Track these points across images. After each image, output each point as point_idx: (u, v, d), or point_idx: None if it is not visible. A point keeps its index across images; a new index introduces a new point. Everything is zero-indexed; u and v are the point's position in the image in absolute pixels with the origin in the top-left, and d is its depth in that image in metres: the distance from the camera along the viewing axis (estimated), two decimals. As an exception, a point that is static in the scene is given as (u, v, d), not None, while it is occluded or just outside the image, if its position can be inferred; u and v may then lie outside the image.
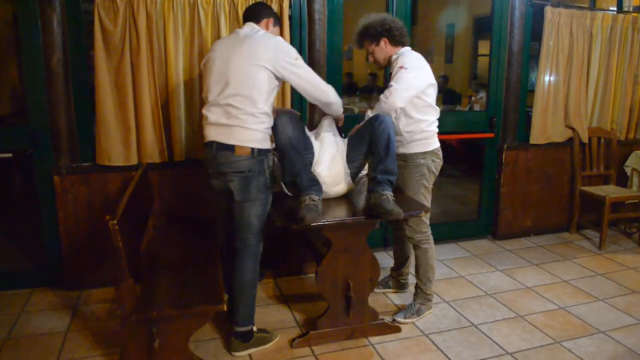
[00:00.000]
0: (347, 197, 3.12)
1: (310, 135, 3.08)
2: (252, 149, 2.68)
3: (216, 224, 3.41)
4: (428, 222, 3.28)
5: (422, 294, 3.35)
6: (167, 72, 3.44)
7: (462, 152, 7.14)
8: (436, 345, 3.03)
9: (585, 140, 4.76)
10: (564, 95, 4.64)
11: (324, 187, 2.90)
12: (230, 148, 2.68)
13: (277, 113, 2.87)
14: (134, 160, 3.49)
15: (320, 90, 2.86)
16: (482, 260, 4.33)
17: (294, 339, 3.02)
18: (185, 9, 3.40)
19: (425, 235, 3.26)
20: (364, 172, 3.27)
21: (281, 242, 3.78)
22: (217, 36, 3.44)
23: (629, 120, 4.99)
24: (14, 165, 4.70)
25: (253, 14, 2.89)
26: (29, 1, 3.23)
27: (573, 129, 4.72)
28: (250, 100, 2.65)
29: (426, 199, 3.24)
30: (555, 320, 3.33)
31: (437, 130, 3.23)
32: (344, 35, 3.95)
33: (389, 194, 2.77)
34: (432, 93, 3.13)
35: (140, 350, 2.45)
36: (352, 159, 3.06)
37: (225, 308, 2.44)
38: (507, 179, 4.64)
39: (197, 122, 3.55)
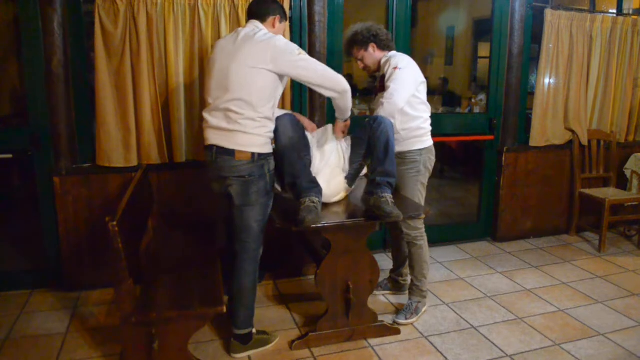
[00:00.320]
0: (346, 199, 3.12)
1: (311, 138, 3.06)
2: (253, 153, 2.67)
3: (217, 226, 3.42)
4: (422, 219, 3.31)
5: (418, 291, 3.39)
6: (168, 73, 3.44)
7: (462, 155, 7.15)
8: (436, 348, 3.03)
9: (585, 143, 4.76)
10: (563, 98, 4.64)
11: (323, 199, 2.89)
12: (231, 152, 2.66)
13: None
14: (134, 162, 3.49)
15: (334, 80, 2.73)
16: (482, 262, 4.33)
17: (293, 341, 3.02)
18: (185, 11, 3.40)
19: (421, 232, 3.31)
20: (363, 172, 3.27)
21: (281, 243, 3.78)
22: (217, 38, 3.43)
23: (629, 123, 5.00)
24: (14, 166, 4.70)
25: (258, 12, 2.82)
26: (29, 2, 3.24)
27: (573, 132, 4.72)
28: (250, 105, 2.63)
29: (422, 196, 3.32)
30: (555, 323, 3.33)
31: (430, 128, 3.30)
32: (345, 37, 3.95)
33: (388, 196, 2.77)
34: (424, 90, 3.23)
35: (140, 351, 2.46)
36: (351, 161, 3.06)
37: (225, 310, 2.44)
38: (506, 182, 4.64)
39: (197, 124, 3.55)
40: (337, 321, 3.03)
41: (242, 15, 3.45)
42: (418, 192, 3.26)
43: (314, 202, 2.71)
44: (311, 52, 3.74)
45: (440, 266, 4.22)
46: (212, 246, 3.21)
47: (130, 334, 2.43)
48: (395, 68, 3.05)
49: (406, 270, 3.66)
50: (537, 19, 4.46)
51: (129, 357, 2.48)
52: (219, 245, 3.21)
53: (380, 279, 3.40)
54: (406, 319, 3.30)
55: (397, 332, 3.16)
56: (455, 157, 7.19)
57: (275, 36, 2.71)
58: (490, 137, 4.59)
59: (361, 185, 3.24)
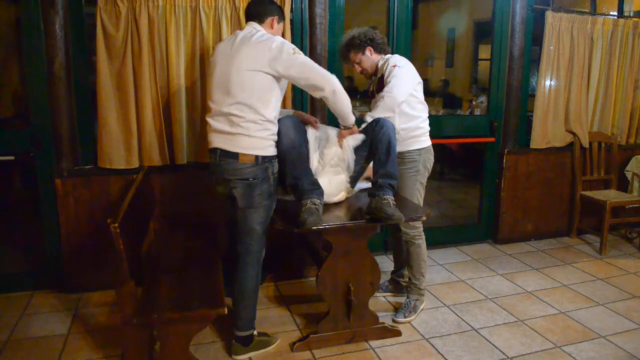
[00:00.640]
0: (348, 201, 3.12)
1: (312, 137, 3.02)
2: (256, 156, 2.68)
3: (218, 227, 3.42)
4: None
5: (416, 290, 3.41)
6: (169, 75, 3.45)
7: (462, 156, 7.14)
8: (437, 350, 3.03)
9: (586, 145, 4.77)
10: (564, 100, 4.65)
11: (325, 198, 2.89)
12: (234, 155, 2.67)
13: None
14: (135, 164, 3.50)
15: (323, 77, 2.67)
16: (483, 264, 4.33)
17: (294, 343, 3.02)
18: (187, 13, 3.41)
19: (419, 231, 3.34)
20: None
21: (282, 245, 3.78)
22: (218, 40, 3.44)
23: (630, 125, 5.00)
24: (16, 167, 4.69)
25: (257, 13, 2.82)
26: (31, 4, 3.25)
27: (574, 134, 4.72)
28: (251, 108, 2.63)
29: (421, 196, 3.34)
30: (556, 325, 3.33)
31: (429, 128, 3.33)
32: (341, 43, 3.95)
33: (390, 198, 2.77)
34: (421, 90, 3.28)
35: (141, 353, 2.46)
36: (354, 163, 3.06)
37: (226, 312, 2.44)
38: (507, 184, 4.65)
39: (198, 126, 3.56)
40: (338, 323, 3.03)
41: (243, 17, 3.44)
42: (417, 191, 3.30)
43: (315, 204, 2.71)
44: (312, 55, 3.75)
45: (441, 268, 4.22)
46: (213, 248, 3.21)
47: (131, 336, 2.43)
48: (394, 66, 3.11)
49: (407, 271, 3.66)
50: (537, 21, 4.47)
51: (130, 358, 2.48)
52: (221, 247, 3.22)
53: (381, 281, 3.40)
54: (405, 317, 3.32)
55: (398, 333, 3.16)
56: (456, 159, 7.19)
57: (271, 37, 2.71)
58: (491, 139, 4.59)
59: (362, 186, 3.25)
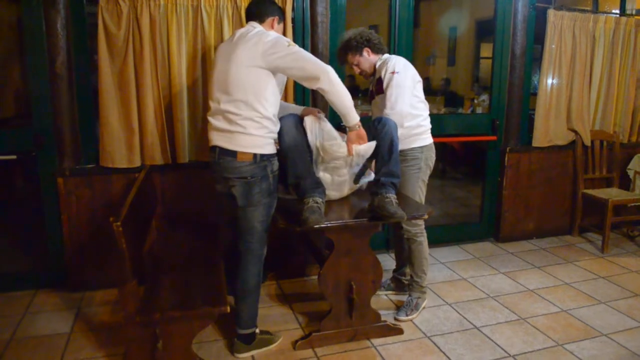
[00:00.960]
0: (350, 199, 3.12)
1: (312, 135, 3.00)
2: (255, 154, 2.67)
3: (220, 226, 3.42)
4: None
5: (417, 287, 3.41)
6: (170, 74, 3.45)
7: (464, 155, 7.14)
8: (439, 348, 3.03)
9: (588, 143, 4.76)
10: (566, 98, 4.64)
11: (327, 191, 2.90)
12: (232, 154, 2.67)
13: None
14: (137, 163, 3.50)
15: (317, 65, 2.61)
16: (485, 262, 4.33)
17: (296, 341, 3.02)
18: (188, 12, 3.41)
19: (421, 228, 3.34)
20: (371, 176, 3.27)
21: (284, 244, 3.79)
22: (220, 39, 3.45)
23: (632, 123, 5.00)
24: (18, 167, 4.70)
25: (257, 13, 2.82)
26: (33, 4, 3.25)
27: (576, 132, 4.72)
28: (247, 104, 2.63)
29: (422, 193, 3.35)
30: (558, 323, 3.33)
31: (430, 126, 3.34)
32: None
33: (392, 196, 2.77)
34: (421, 89, 3.28)
35: (144, 351, 2.47)
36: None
37: (229, 310, 2.44)
38: (509, 182, 4.64)
39: (200, 124, 3.56)
40: (340, 321, 3.04)
41: (245, 17, 3.46)
42: (419, 189, 3.31)
43: (317, 203, 2.72)
44: (314, 53, 3.73)
45: (443, 266, 4.22)
46: (215, 246, 3.21)
47: (134, 334, 2.43)
48: (392, 72, 3.10)
49: (409, 269, 3.66)
50: (539, 20, 4.46)
51: (133, 357, 2.48)
52: (223, 246, 3.22)
53: (383, 279, 3.41)
54: (406, 315, 3.33)
55: (400, 332, 3.16)
56: (458, 157, 7.19)
57: (266, 32, 2.70)
58: (493, 138, 4.59)
59: (364, 185, 3.25)
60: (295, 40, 3.63)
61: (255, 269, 2.85)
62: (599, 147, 4.85)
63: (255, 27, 2.77)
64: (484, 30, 7.85)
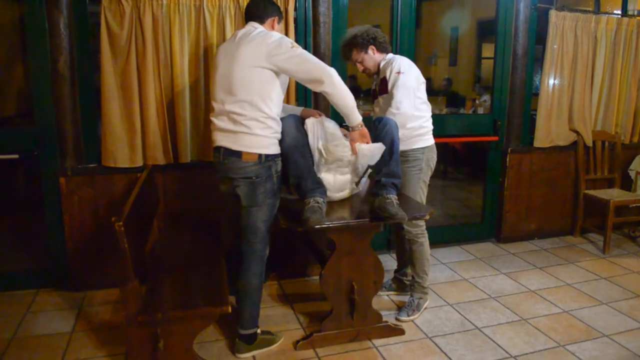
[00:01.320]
0: (351, 200, 3.12)
1: (313, 136, 2.99)
2: (260, 155, 2.67)
3: (222, 226, 3.43)
4: None
5: (419, 288, 3.42)
6: (173, 74, 3.45)
7: (466, 155, 7.13)
8: (440, 348, 3.03)
9: (590, 144, 4.76)
10: (568, 99, 4.64)
11: (327, 193, 2.90)
12: (237, 154, 2.67)
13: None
14: (139, 162, 3.50)
15: (321, 68, 2.62)
16: (486, 263, 4.33)
17: (297, 341, 3.03)
18: (190, 12, 3.41)
19: (422, 229, 3.34)
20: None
21: (285, 244, 3.79)
22: (222, 38, 3.45)
23: (634, 124, 4.99)
24: (20, 166, 4.71)
25: (258, 13, 2.82)
26: (36, 3, 3.26)
27: (577, 133, 4.72)
28: (252, 104, 2.63)
29: (424, 194, 3.36)
30: (559, 324, 3.33)
31: (432, 127, 3.34)
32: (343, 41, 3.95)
33: (393, 197, 2.77)
34: (424, 90, 3.28)
35: (145, 351, 2.46)
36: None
37: (230, 310, 2.44)
38: (511, 182, 4.64)
39: (202, 124, 3.56)
40: (342, 322, 3.04)
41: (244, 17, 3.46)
42: (420, 189, 3.31)
43: (318, 203, 2.71)
44: (315, 53, 3.75)
45: (444, 267, 4.22)
46: (217, 246, 3.22)
47: (135, 334, 2.43)
48: (398, 73, 3.10)
49: (410, 270, 3.66)
50: (541, 20, 4.46)
51: (134, 356, 2.48)
52: (224, 246, 3.22)
53: (385, 280, 3.40)
54: (408, 315, 3.33)
55: (402, 332, 3.16)
56: (459, 158, 7.18)
57: (269, 32, 2.71)
58: (495, 138, 4.59)
59: (366, 185, 3.25)
60: (297, 40, 3.64)
61: (258, 269, 2.86)
62: (601, 147, 4.85)
63: (256, 27, 2.77)
64: (486, 30, 7.84)
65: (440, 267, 4.22)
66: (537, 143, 4.63)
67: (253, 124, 2.65)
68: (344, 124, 2.91)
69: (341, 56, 3.42)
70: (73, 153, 3.48)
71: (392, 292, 3.70)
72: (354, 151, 2.83)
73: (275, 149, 2.74)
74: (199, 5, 3.41)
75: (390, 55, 3.29)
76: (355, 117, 2.77)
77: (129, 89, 3.39)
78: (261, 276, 2.89)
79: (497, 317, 3.41)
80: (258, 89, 2.63)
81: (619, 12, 4.97)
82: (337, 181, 2.95)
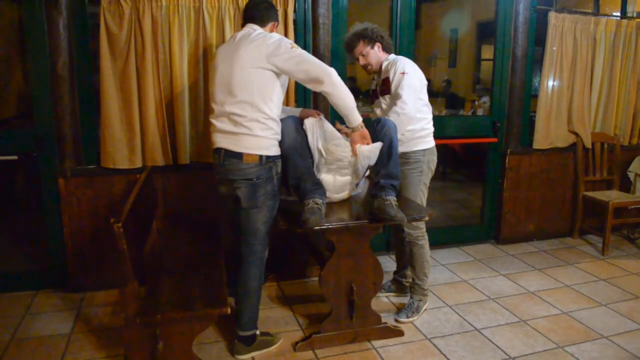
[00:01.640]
0: (350, 201, 3.12)
1: (313, 136, 2.99)
2: (261, 156, 2.67)
3: (221, 227, 3.42)
4: None
5: (419, 290, 3.42)
6: (172, 75, 3.45)
7: (465, 157, 7.14)
8: (439, 350, 3.03)
9: (589, 146, 4.76)
10: (567, 101, 4.64)
11: (327, 194, 2.90)
12: (238, 156, 2.67)
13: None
14: (138, 163, 3.50)
15: (321, 68, 2.62)
16: (485, 264, 4.33)
17: (297, 342, 3.02)
18: (190, 13, 3.41)
19: (422, 231, 3.34)
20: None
21: (285, 245, 3.79)
22: (221, 40, 3.45)
23: (633, 126, 5.00)
24: (19, 167, 4.71)
25: (260, 17, 2.81)
26: (35, 4, 3.25)
27: (576, 134, 4.72)
28: (252, 105, 2.63)
29: (424, 196, 3.35)
30: (558, 325, 3.33)
31: (433, 129, 3.34)
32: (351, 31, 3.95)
33: (392, 199, 2.77)
34: (425, 92, 3.29)
35: (144, 352, 2.46)
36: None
37: (229, 311, 2.44)
38: (510, 184, 4.64)
39: (201, 125, 3.56)
40: (341, 323, 3.04)
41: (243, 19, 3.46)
42: (420, 191, 3.31)
43: (317, 204, 2.71)
44: (315, 55, 3.72)
45: (444, 268, 4.22)
46: (216, 247, 3.21)
47: (134, 335, 2.43)
48: (403, 73, 3.11)
49: (409, 271, 3.66)
50: (540, 22, 4.46)
51: (134, 357, 2.48)
52: (224, 247, 3.22)
53: (384, 281, 3.41)
54: (407, 317, 3.33)
55: (401, 334, 3.16)
56: (459, 159, 7.19)
57: (269, 34, 2.72)
58: (494, 140, 4.59)
59: (365, 186, 3.25)
60: (296, 42, 3.64)
61: (257, 270, 2.85)
62: (600, 149, 4.85)
63: (255, 29, 2.77)
64: (485, 32, 7.86)
65: (440, 268, 4.22)
66: (537, 144, 4.63)
67: (254, 125, 2.65)
68: (343, 125, 2.91)
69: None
70: (72, 154, 3.48)
71: (391, 294, 3.70)
72: (354, 153, 2.83)
73: (275, 150, 2.74)
74: (198, 7, 3.41)
75: (393, 56, 3.30)
76: (355, 117, 2.77)
77: (128, 90, 3.39)
78: (260, 277, 2.89)
79: (496, 318, 3.41)
80: (258, 90, 2.63)
81: (618, 14, 4.98)
82: (337, 182, 2.95)
